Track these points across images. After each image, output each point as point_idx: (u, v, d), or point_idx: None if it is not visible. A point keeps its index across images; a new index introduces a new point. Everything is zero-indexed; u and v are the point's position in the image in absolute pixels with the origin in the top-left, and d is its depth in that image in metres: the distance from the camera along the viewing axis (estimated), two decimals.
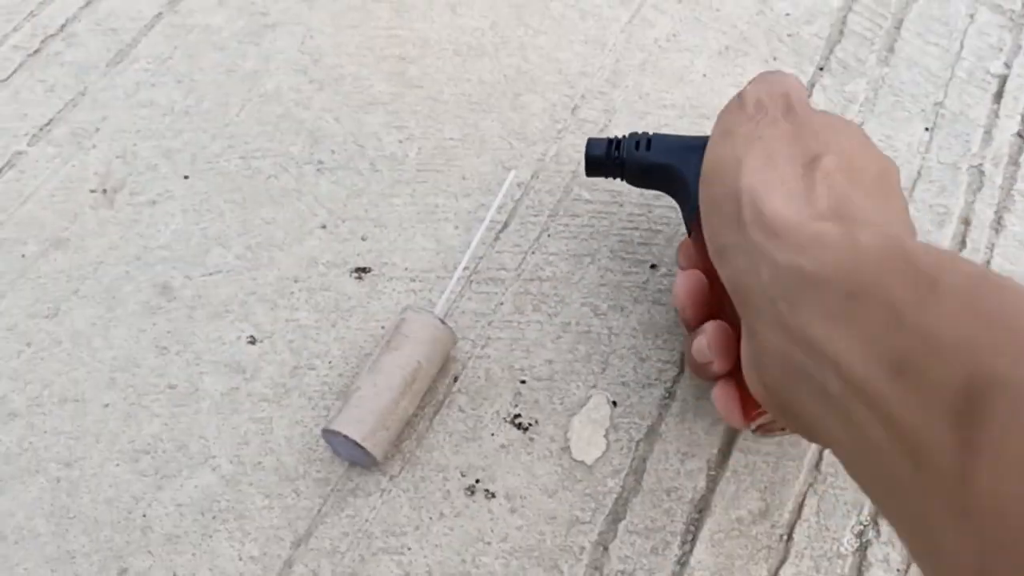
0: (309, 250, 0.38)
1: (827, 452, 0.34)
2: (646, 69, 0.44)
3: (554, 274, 0.38)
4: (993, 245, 0.39)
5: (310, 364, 0.35)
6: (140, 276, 0.37)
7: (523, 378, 0.35)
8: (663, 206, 0.40)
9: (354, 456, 0.32)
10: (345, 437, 0.31)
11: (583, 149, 0.36)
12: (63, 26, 0.45)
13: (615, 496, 0.33)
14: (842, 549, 0.32)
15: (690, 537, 0.32)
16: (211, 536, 0.32)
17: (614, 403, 0.35)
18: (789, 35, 0.46)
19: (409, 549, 0.32)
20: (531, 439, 0.34)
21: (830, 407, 0.22)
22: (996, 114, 0.43)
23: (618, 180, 0.36)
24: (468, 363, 0.36)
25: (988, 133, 0.42)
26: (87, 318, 0.36)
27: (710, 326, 0.30)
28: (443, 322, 0.34)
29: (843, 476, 0.33)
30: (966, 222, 0.40)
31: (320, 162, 0.41)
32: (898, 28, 0.46)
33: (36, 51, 0.44)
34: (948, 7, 0.47)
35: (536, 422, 0.34)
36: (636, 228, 0.39)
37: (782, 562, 0.31)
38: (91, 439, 0.34)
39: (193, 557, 0.31)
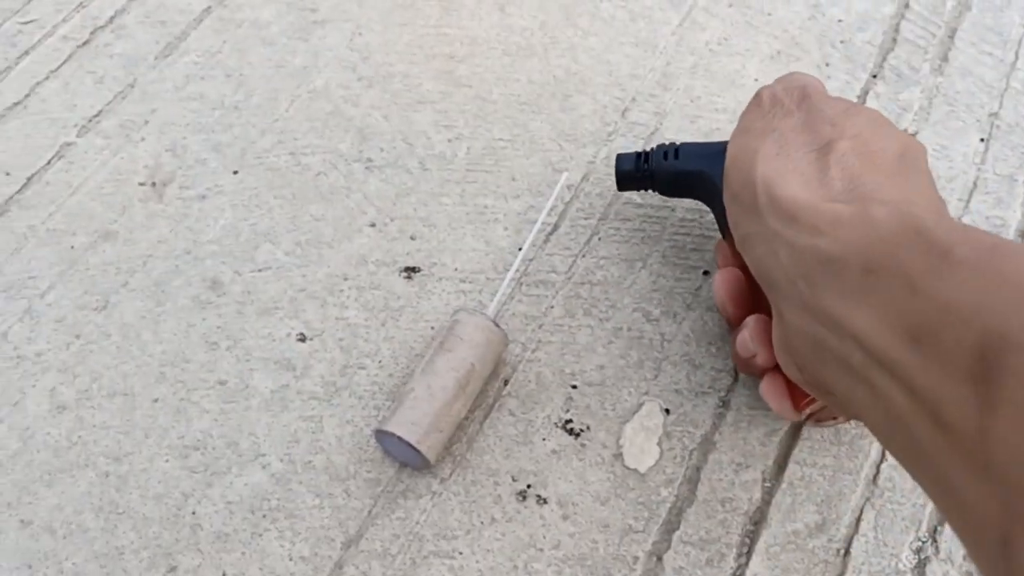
0: (358, 248, 0.38)
1: (884, 466, 0.33)
2: (697, 72, 0.44)
3: (605, 278, 0.37)
4: None
5: (360, 363, 0.35)
6: (189, 270, 0.37)
7: (574, 383, 0.35)
8: None
9: (406, 458, 0.32)
10: (399, 439, 0.30)
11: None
12: (112, 18, 0.45)
13: (668, 505, 0.32)
14: (900, 565, 0.31)
15: (745, 549, 0.31)
16: (261, 535, 0.31)
17: (667, 411, 0.34)
18: (842, 41, 0.45)
19: (460, 553, 0.31)
20: (583, 445, 0.33)
21: (856, 379, 0.23)
22: None
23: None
24: (519, 366, 0.35)
25: None
26: (136, 311, 0.36)
27: (751, 320, 0.30)
28: (496, 324, 0.33)
29: (901, 491, 0.33)
30: (1023, 235, 0.39)
31: (369, 160, 0.40)
32: (951, 37, 0.46)
33: (85, 42, 0.44)
34: (1002, 17, 0.47)
35: (588, 428, 0.34)
36: (688, 234, 0.39)
37: None
38: (140, 434, 0.33)
39: (243, 556, 0.31)
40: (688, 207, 0.39)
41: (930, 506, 0.32)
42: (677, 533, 0.32)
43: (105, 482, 0.32)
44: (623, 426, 0.34)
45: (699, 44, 0.45)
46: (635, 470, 0.33)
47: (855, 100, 0.44)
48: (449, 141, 0.41)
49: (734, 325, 0.32)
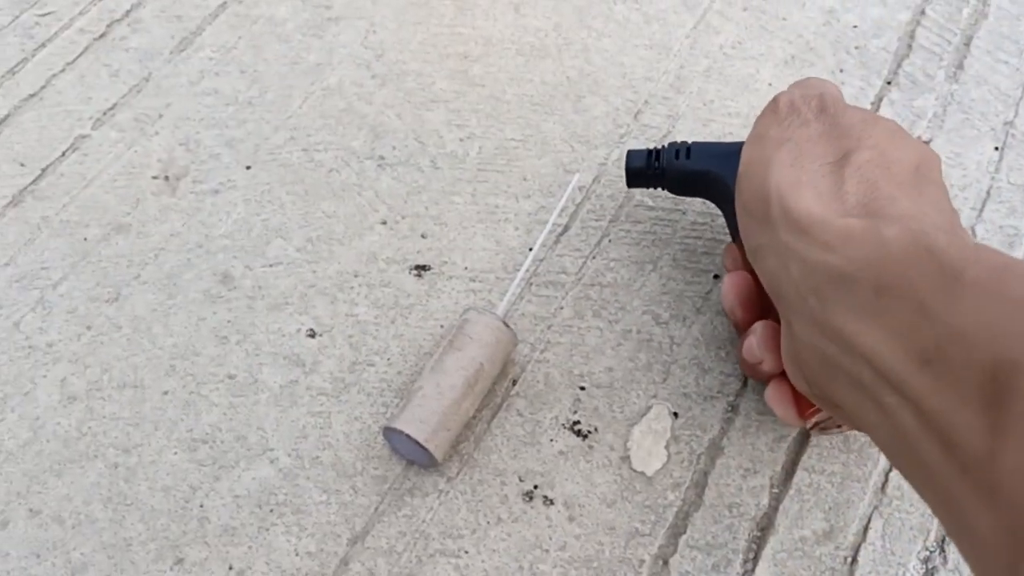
0: (369, 245, 0.38)
1: (893, 475, 0.33)
2: (711, 76, 0.44)
3: (615, 280, 0.37)
4: None
5: (369, 360, 0.35)
6: (201, 264, 0.37)
7: (582, 384, 0.35)
8: None
9: (413, 455, 0.32)
10: (407, 436, 0.30)
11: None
12: (128, 11, 0.45)
13: (675, 509, 0.32)
14: (908, 575, 0.31)
15: (752, 555, 0.31)
16: (268, 529, 0.32)
17: (675, 414, 0.34)
18: (856, 47, 0.45)
19: (466, 552, 0.31)
20: (590, 447, 0.33)
21: (864, 396, 0.23)
22: None
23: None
24: (527, 367, 0.35)
25: None
26: (148, 304, 0.36)
27: (759, 326, 0.30)
28: (506, 324, 0.33)
29: (909, 499, 0.32)
30: None
31: (381, 158, 0.40)
32: (967, 45, 0.45)
33: (101, 35, 0.44)
34: (1018, 26, 0.46)
35: (595, 430, 0.34)
36: (699, 237, 0.39)
37: None
38: (150, 426, 0.34)
39: (249, 550, 0.31)
40: (699, 211, 0.39)
41: None
42: (683, 537, 0.32)
43: (114, 473, 0.33)
44: (631, 429, 0.34)
45: (713, 47, 0.45)
46: (642, 473, 0.33)
47: (869, 107, 0.43)
48: (461, 140, 0.41)
49: (742, 329, 0.32)
